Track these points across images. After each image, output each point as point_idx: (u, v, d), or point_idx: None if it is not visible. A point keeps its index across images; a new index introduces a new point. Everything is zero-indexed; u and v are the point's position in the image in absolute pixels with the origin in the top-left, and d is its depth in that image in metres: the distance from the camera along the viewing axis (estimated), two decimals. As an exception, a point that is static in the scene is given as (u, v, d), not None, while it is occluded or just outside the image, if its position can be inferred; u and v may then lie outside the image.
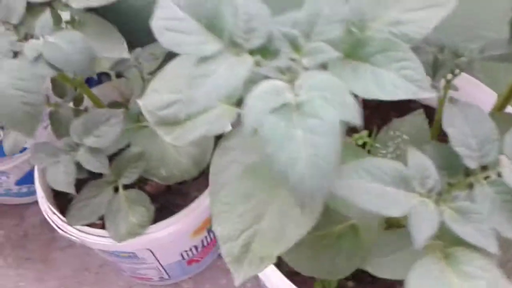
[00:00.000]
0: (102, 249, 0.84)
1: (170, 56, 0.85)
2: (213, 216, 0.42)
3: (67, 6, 0.64)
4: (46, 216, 0.81)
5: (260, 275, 0.63)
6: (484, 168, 0.38)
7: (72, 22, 0.65)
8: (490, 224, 0.36)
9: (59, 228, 0.79)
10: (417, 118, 0.58)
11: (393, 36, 0.38)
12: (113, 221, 0.69)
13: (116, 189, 0.72)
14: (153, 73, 0.81)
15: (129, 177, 0.70)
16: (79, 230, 0.76)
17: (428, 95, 0.35)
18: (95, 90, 0.82)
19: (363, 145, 0.78)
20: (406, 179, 0.37)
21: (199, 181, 0.84)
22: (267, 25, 0.38)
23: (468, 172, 0.38)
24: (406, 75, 0.36)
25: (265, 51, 0.39)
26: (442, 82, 0.57)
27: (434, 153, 0.39)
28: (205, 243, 0.98)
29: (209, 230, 0.95)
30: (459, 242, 0.36)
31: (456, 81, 0.55)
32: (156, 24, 0.38)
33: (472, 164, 0.37)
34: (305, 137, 0.33)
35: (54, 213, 0.79)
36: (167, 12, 0.39)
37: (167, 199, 0.85)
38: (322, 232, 0.46)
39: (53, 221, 0.80)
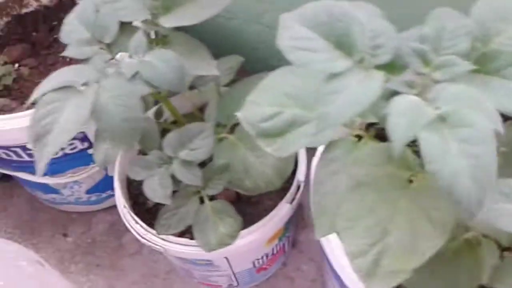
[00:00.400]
0: (182, 257, 0.85)
1: (243, 70, 0.87)
2: (338, 233, 0.43)
3: (157, 25, 0.66)
4: (128, 226, 0.83)
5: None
6: None
7: (161, 41, 0.67)
8: None
9: (142, 237, 0.81)
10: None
11: (516, 50, 0.38)
12: (202, 231, 0.70)
13: (201, 200, 0.74)
14: (228, 85, 0.82)
15: (215, 188, 0.72)
16: (164, 240, 0.78)
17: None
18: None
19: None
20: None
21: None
22: (393, 41, 0.39)
23: None
24: (539, 88, 0.36)
25: (391, 66, 0.39)
26: None
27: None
28: (275, 251, 0.99)
29: (280, 238, 0.96)
30: None
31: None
32: (284, 43, 0.39)
33: None
34: (461, 149, 0.33)
35: (137, 223, 0.81)
36: (293, 32, 0.40)
37: (239, 208, 0.86)
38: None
39: (135, 231, 0.81)
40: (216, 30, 1.07)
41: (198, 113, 0.91)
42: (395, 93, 0.38)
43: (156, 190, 0.64)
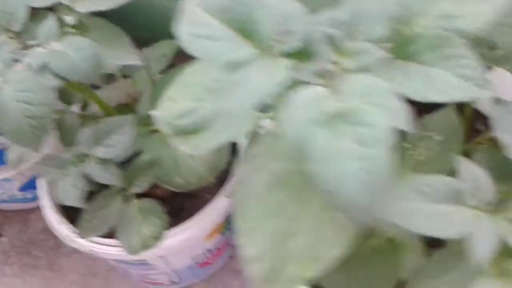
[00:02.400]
0: (111, 258, 0.80)
1: (180, 54, 0.81)
2: (238, 232, 0.38)
3: (71, 10, 0.59)
4: (50, 226, 0.77)
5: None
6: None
7: (77, 27, 0.61)
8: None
9: (64, 238, 0.75)
10: (449, 115, 0.54)
11: (443, 31, 0.34)
12: (125, 233, 0.65)
13: (127, 198, 0.68)
14: (163, 72, 0.76)
15: (140, 185, 0.66)
16: (90, 241, 0.72)
17: (488, 95, 0.32)
18: (100, 93, 0.77)
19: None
20: (459, 194, 0.33)
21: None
22: (304, 26, 0.34)
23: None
24: (462, 73, 0.32)
25: (302, 54, 0.34)
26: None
27: (486, 161, 0.35)
28: (219, 246, 0.95)
29: (223, 233, 0.91)
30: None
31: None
32: (183, 31, 0.34)
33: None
34: (354, 149, 0.29)
35: (59, 223, 0.75)
36: (193, 18, 0.35)
37: (178, 202, 0.81)
38: (357, 250, 0.42)
39: (59, 232, 0.76)
40: (156, 12, 1.01)
41: (133, 104, 0.85)
42: (303, 83, 0.33)
43: (68, 191, 0.58)
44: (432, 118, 0.55)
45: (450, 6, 0.34)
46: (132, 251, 0.64)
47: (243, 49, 0.34)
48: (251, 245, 0.38)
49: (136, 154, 0.69)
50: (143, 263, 0.85)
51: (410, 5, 0.35)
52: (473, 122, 0.60)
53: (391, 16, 0.35)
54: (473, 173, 0.33)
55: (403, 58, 0.34)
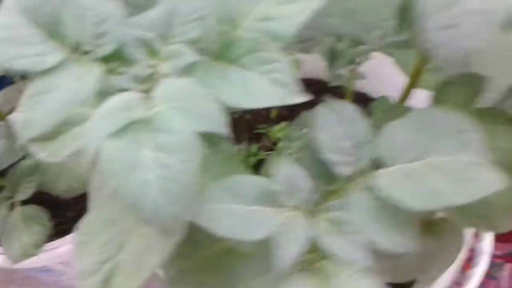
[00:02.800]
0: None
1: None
2: (74, 248, 0.37)
3: None
4: None
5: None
6: (361, 172, 0.34)
7: None
8: (367, 234, 0.32)
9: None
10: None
11: (262, 33, 0.33)
12: (7, 241, 0.62)
13: (12, 205, 0.65)
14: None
15: (25, 192, 0.63)
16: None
17: (297, 101, 0.31)
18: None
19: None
20: (273, 194, 0.32)
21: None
22: (120, 29, 0.33)
23: (348, 179, 0.35)
24: (275, 78, 0.31)
25: (118, 58, 0.33)
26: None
27: (310, 161, 0.35)
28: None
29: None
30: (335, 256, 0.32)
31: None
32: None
33: (346, 171, 0.33)
34: (154, 157, 0.28)
35: None
36: (4, 19, 0.33)
37: (85, 206, 0.79)
38: (209, 251, 0.41)
39: None
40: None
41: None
42: (122, 90, 0.32)
43: None
44: (311, 115, 0.55)
45: (269, 8, 0.33)
46: (14, 259, 0.62)
47: (52, 54, 0.32)
48: (83, 260, 0.36)
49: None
50: (47, 270, 0.83)
51: (232, 6, 0.34)
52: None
53: (216, 18, 0.34)
54: (290, 173, 0.33)
55: (226, 61, 0.33)
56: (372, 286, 0.32)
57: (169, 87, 0.30)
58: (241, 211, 0.31)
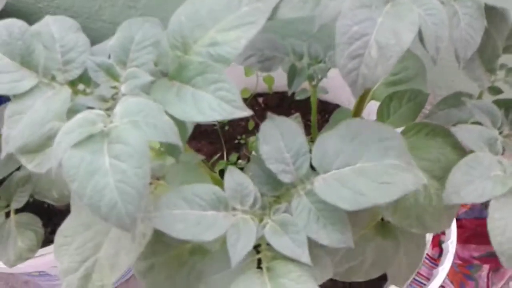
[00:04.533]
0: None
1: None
2: (54, 249, 0.41)
3: None
4: None
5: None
6: (301, 180, 0.38)
7: None
8: (307, 233, 0.36)
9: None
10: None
11: (210, 57, 0.37)
12: (3, 247, 0.66)
13: (8, 214, 0.70)
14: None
15: (19, 201, 0.67)
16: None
17: (242, 115, 0.35)
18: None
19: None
20: (225, 200, 0.36)
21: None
22: (84, 55, 0.37)
23: (290, 185, 0.38)
24: (222, 96, 0.35)
25: (87, 81, 0.37)
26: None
27: (258, 170, 0.39)
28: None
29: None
30: (282, 254, 0.36)
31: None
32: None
33: (287, 178, 0.37)
34: (112, 164, 0.32)
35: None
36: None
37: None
38: (177, 250, 0.45)
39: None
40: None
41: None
42: (89, 108, 0.36)
43: None
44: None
45: (216, 34, 0.37)
46: (9, 264, 0.66)
47: (25, 80, 0.36)
48: (63, 260, 0.40)
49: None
50: (44, 274, 0.87)
51: (184, 33, 0.38)
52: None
53: (170, 44, 0.38)
54: (238, 182, 0.37)
55: (180, 81, 0.37)
56: (311, 286, 0.35)
57: (126, 105, 0.34)
58: (195, 216, 0.35)
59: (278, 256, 0.37)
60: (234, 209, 0.37)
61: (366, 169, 0.36)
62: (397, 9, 0.30)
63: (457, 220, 1.11)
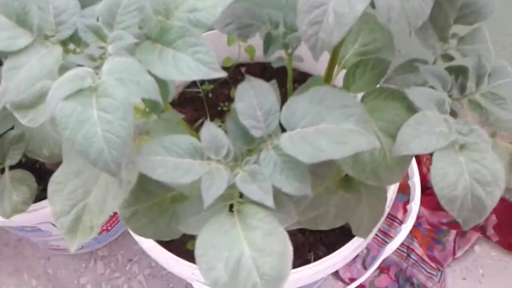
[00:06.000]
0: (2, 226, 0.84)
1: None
2: (48, 195, 0.45)
3: None
4: None
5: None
6: (270, 135, 0.42)
7: None
8: (272, 181, 0.40)
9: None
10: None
11: (190, 22, 0.40)
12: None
13: (2, 170, 0.73)
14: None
15: (13, 158, 0.71)
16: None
17: (218, 76, 0.38)
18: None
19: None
20: (200, 150, 0.40)
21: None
22: (75, 17, 0.40)
23: (261, 140, 0.42)
24: (199, 58, 0.39)
25: (74, 41, 0.41)
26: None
27: (233, 125, 0.43)
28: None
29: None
30: (250, 200, 0.40)
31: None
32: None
33: (257, 134, 0.41)
34: (99, 116, 0.36)
35: None
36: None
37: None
38: (159, 198, 0.49)
39: None
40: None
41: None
42: (79, 66, 0.40)
43: None
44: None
45: (195, 1, 0.40)
46: (6, 215, 0.70)
47: (21, 38, 0.39)
48: (56, 204, 0.44)
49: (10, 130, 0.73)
50: (36, 230, 0.91)
51: (167, 0, 0.41)
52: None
53: (153, 9, 0.41)
54: (213, 134, 0.41)
55: (162, 44, 0.40)
56: (276, 226, 0.40)
57: (113, 63, 0.38)
58: (173, 162, 0.39)
59: (248, 201, 0.41)
60: (209, 158, 0.41)
61: (327, 130, 0.39)
62: (353, -20, 0.34)
63: (428, 188, 1.16)
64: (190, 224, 0.42)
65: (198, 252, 0.38)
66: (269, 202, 0.40)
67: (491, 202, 0.38)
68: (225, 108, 0.86)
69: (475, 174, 0.38)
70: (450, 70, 0.46)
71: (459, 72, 0.46)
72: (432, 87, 0.45)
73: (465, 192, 0.38)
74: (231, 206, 0.43)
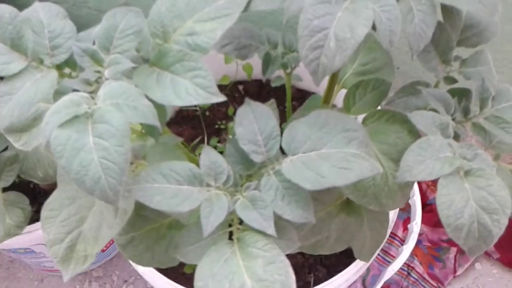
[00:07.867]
0: (-5, 249, 0.83)
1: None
2: (41, 222, 0.44)
3: None
4: None
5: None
6: (271, 160, 0.41)
7: None
8: (274, 208, 0.39)
9: None
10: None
11: (188, 46, 0.40)
12: (-9, 224, 0.69)
13: (-4, 193, 0.72)
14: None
15: (7, 180, 0.70)
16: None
17: (217, 100, 0.38)
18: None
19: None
20: (199, 177, 0.39)
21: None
22: (71, 41, 0.39)
23: (261, 165, 0.41)
24: (198, 82, 0.38)
25: (73, 65, 0.40)
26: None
27: (232, 150, 0.42)
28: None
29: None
30: (251, 227, 0.39)
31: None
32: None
33: (258, 159, 0.40)
34: (96, 143, 0.35)
35: None
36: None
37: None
38: (156, 224, 0.48)
39: None
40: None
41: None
42: (74, 90, 0.39)
43: None
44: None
45: (194, 24, 0.40)
46: (-1, 239, 0.68)
47: (15, 62, 0.38)
48: (49, 231, 0.43)
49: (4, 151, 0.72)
50: (29, 252, 0.89)
51: (164, 22, 0.40)
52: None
53: (151, 32, 0.41)
54: (213, 160, 0.40)
55: (160, 68, 0.40)
56: (277, 254, 0.39)
57: (109, 88, 0.37)
58: (171, 189, 0.38)
59: (248, 229, 0.40)
60: (208, 185, 0.40)
61: (329, 155, 0.39)
62: (355, 5, 0.33)
63: (428, 205, 1.16)
64: (189, 254, 0.41)
65: (197, 284, 0.37)
66: (270, 230, 0.39)
67: (498, 230, 0.38)
68: (222, 126, 0.85)
69: (481, 201, 0.38)
70: (452, 92, 0.46)
71: (462, 95, 0.45)
72: (435, 110, 0.45)
73: (471, 220, 0.37)
74: (231, 233, 0.42)
